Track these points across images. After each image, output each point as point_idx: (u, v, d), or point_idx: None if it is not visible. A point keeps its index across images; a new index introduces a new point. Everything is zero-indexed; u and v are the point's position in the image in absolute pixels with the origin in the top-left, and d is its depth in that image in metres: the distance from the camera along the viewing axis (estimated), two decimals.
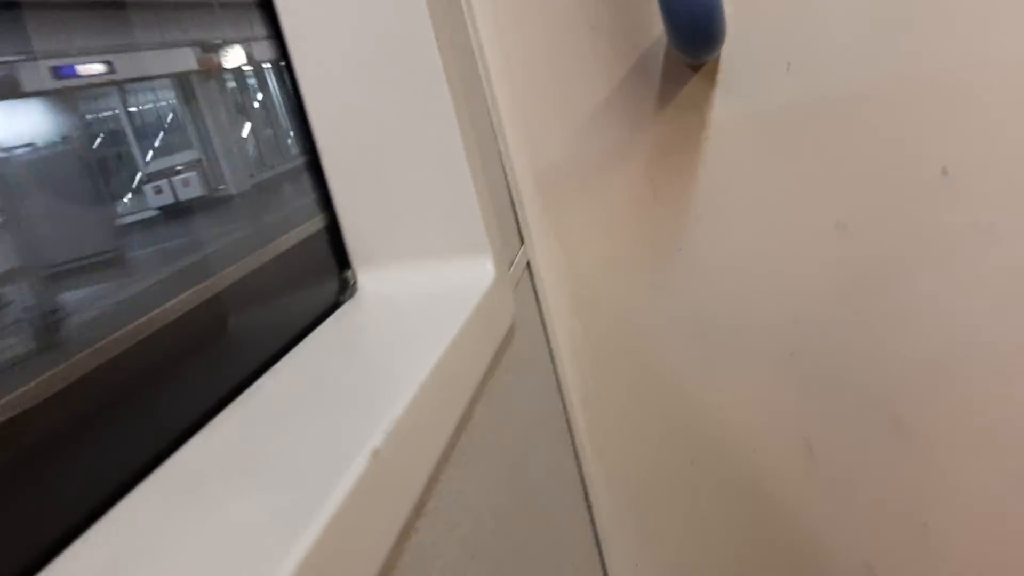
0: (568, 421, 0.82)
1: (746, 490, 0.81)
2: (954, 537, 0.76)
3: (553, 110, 0.74)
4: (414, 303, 0.56)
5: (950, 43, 0.63)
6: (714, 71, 0.69)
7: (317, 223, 0.62)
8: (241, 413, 0.43)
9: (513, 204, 0.76)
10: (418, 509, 0.42)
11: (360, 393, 0.42)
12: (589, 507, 0.84)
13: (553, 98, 0.73)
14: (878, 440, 0.75)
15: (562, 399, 0.81)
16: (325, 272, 0.62)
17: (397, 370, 0.44)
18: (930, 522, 0.77)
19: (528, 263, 0.77)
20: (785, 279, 0.73)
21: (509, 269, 0.67)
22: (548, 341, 0.80)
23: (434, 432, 0.44)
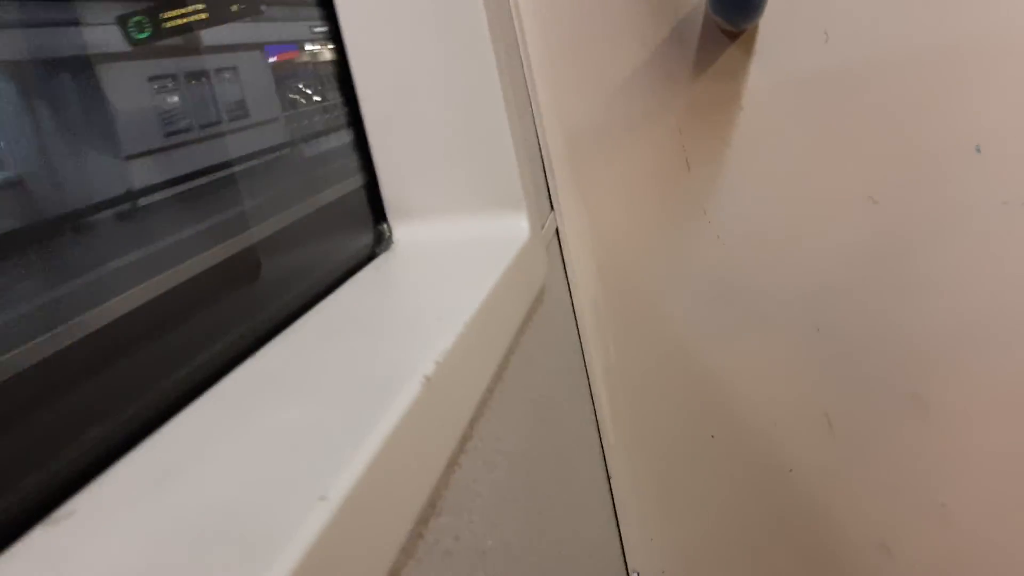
0: (590, 390, 0.82)
1: (764, 464, 0.82)
2: (971, 519, 0.76)
3: (587, 75, 0.74)
4: (451, 253, 0.57)
5: (991, 16, 0.63)
6: (751, 40, 0.69)
7: (356, 178, 0.63)
8: (290, 341, 0.43)
9: (544, 170, 0.76)
10: (462, 443, 0.42)
11: (408, 327, 0.43)
12: (608, 477, 0.84)
13: (587, 62, 0.73)
14: (898, 417, 0.75)
15: (585, 367, 0.82)
16: (361, 225, 0.62)
17: (442, 309, 0.44)
18: (948, 503, 0.77)
19: (557, 230, 0.77)
20: (813, 251, 0.73)
21: (541, 231, 0.67)
22: (574, 308, 0.80)
23: (478, 370, 0.44)
